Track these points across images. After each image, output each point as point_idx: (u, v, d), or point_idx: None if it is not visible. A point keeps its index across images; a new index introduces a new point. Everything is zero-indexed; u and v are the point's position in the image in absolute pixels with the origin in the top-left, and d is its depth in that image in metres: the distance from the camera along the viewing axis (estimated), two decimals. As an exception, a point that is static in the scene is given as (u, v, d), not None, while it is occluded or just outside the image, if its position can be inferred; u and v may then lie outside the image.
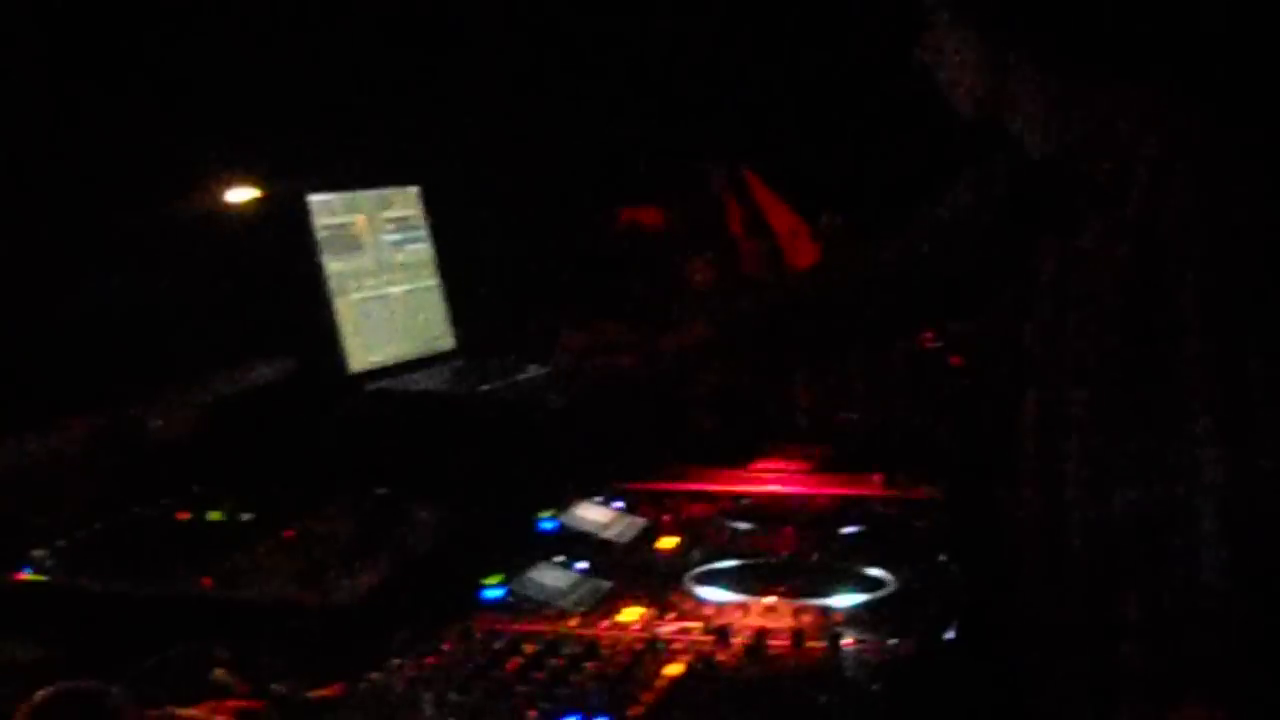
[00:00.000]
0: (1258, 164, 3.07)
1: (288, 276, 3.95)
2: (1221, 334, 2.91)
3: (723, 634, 2.86)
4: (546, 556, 3.28)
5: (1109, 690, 2.98)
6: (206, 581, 2.96)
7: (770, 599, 3.07)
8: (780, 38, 4.71)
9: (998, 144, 3.31)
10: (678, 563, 3.32)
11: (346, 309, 4.02)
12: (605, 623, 2.98)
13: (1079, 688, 3.10)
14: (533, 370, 4.10)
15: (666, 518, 3.63)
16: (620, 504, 3.65)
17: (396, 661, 2.71)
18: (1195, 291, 2.88)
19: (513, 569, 3.19)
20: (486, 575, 3.15)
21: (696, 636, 2.88)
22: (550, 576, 3.19)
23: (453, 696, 2.55)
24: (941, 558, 3.35)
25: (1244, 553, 2.82)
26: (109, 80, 3.72)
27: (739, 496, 3.79)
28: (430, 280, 4.40)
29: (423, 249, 4.40)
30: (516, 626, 2.93)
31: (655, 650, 2.81)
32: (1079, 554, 3.04)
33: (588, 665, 2.72)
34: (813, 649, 2.82)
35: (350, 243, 4.11)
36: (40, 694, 2.26)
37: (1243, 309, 2.92)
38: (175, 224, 3.89)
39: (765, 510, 3.70)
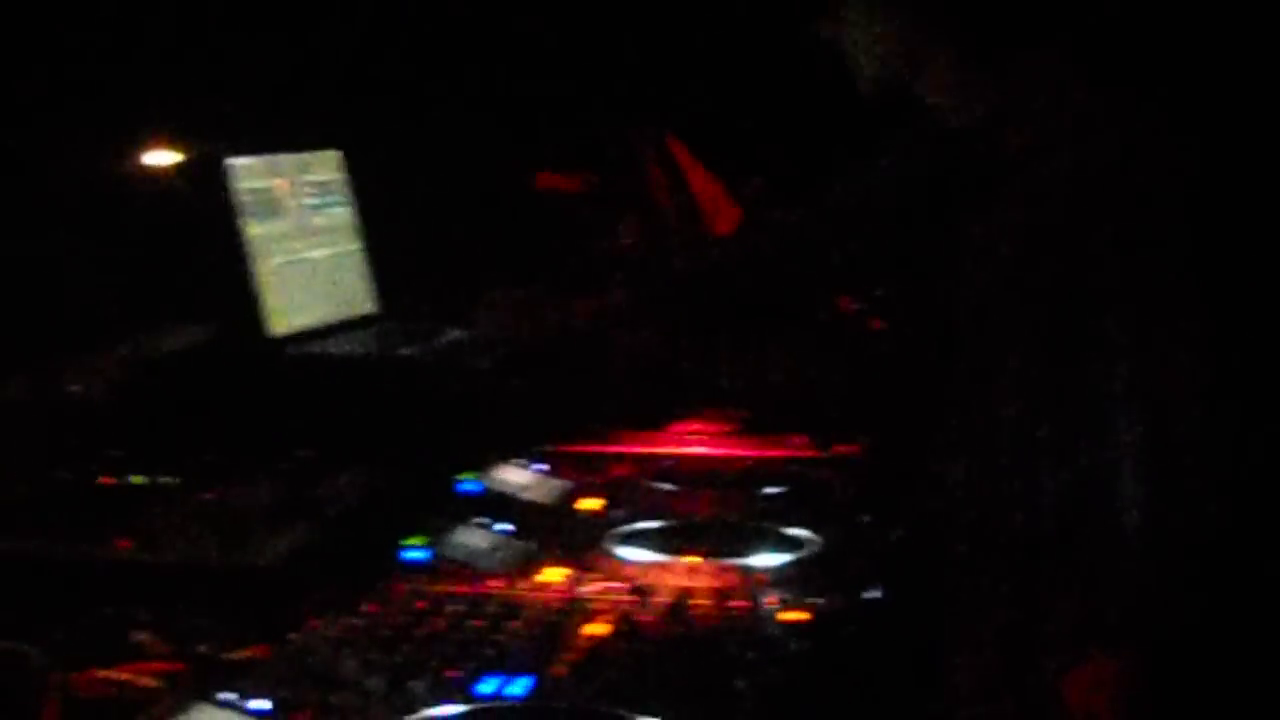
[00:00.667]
0: (1172, 133, 3.09)
1: (207, 240, 3.93)
2: (1140, 300, 2.93)
3: (645, 594, 2.87)
4: (469, 518, 3.28)
5: (1024, 649, 3.01)
6: (126, 544, 2.95)
7: (692, 559, 3.08)
8: (701, 2, 4.71)
9: (911, 111, 3.32)
10: (600, 524, 3.33)
11: (267, 273, 4.00)
12: (527, 583, 2.99)
13: (997, 645, 3.12)
14: (454, 334, 4.08)
15: (589, 479, 3.64)
16: (543, 466, 3.67)
17: (317, 623, 2.70)
18: (1115, 258, 2.90)
19: (435, 531, 3.19)
20: (408, 537, 3.14)
21: (619, 597, 2.90)
22: (473, 538, 3.20)
23: (374, 656, 2.55)
24: (864, 518, 3.36)
25: (1160, 513, 2.85)
26: (25, 37, 3.70)
27: (661, 457, 3.80)
28: (352, 244, 4.38)
29: (344, 213, 4.38)
30: (439, 588, 2.94)
31: (578, 610, 2.83)
32: (1008, 520, 3.06)
33: (510, 625, 2.72)
34: (735, 608, 2.83)
35: (271, 206, 4.09)
36: (-40, 655, 2.25)
37: (1160, 274, 2.95)
38: (93, 185, 3.88)
39: (687, 472, 3.71)
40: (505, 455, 3.66)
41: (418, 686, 2.46)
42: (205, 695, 2.38)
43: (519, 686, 2.49)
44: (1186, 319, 2.90)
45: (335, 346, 4.11)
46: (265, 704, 2.37)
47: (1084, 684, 2.90)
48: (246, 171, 4.04)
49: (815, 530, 3.22)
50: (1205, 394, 2.85)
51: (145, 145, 3.95)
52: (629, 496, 3.53)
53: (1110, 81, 3.15)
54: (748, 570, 3.02)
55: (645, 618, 2.80)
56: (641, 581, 2.94)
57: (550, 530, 3.30)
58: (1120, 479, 2.85)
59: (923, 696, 3.21)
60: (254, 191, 4.05)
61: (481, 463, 3.58)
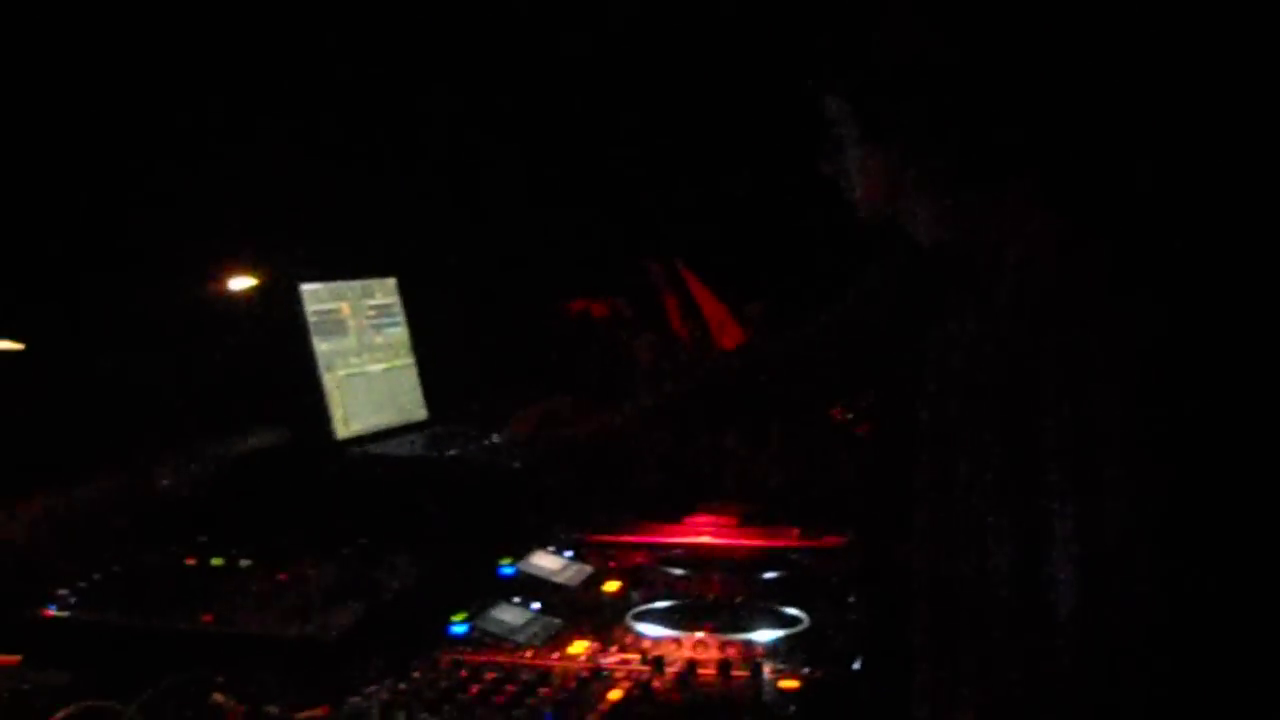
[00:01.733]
0: (1104, 261, 3.10)
1: (283, 354, 3.94)
2: (1075, 412, 2.94)
3: (658, 664, 2.87)
4: (506, 598, 3.28)
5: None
6: (208, 618, 2.95)
7: (700, 634, 3.08)
8: (710, 150, 4.72)
9: (892, 242, 3.34)
10: (620, 603, 3.32)
11: (333, 383, 4.02)
12: (556, 654, 2.99)
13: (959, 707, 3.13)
14: (494, 438, 4.09)
15: (610, 564, 3.63)
16: (570, 553, 3.65)
17: (373, 688, 2.70)
18: (1053, 368, 2.91)
19: (476, 608, 3.19)
20: (453, 614, 3.14)
21: (635, 667, 2.89)
22: (509, 615, 3.19)
23: (421, 718, 2.55)
24: (850, 599, 3.35)
25: (1093, 598, 2.86)
26: (133, 181, 3.72)
27: (674, 546, 3.79)
28: (406, 359, 4.40)
29: (399, 332, 4.40)
30: (479, 658, 2.93)
31: (599, 679, 2.83)
32: (962, 607, 3.07)
33: (541, 691, 2.72)
34: (737, 678, 2.83)
35: (336, 326, 4.11)
36: (62, 713, 2.25)
37: (1093, 383, 2.96)
38: (185, 306, 3.89)
39: (697, 558, 3.70)
40: (537, 543, 3.65)
41: (459, 744, 2.46)
42: (274, 750, 2.39)
43: (548, 745, 2.50)
44: (1120, 430, 2.91)
45: (391, 448, 4.12)
46: (326, 758, 2.37)
47: None
48: (315, 296, 4.05)
49: (806, 609, 3.21)
50: (1134, 502, 2.87)
51: (229, 272, 3.97)
52: (645, 579, 3.52)
53: (1054, 221, 3.17)
54: (748, 644, 3.02)
55: (658, 685, 2.79)
56: (655, 654, 2.93)
57: (576, 609, 3.29)
58: (1056, 567, 2.86)
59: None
60: (322, 313, 4.06)
61: (517, 550, 3.58)
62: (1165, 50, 4.53)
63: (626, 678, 2.83)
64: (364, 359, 4.21)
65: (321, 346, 4.03)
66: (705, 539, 3.88)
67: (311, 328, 4.02)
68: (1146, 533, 2.87)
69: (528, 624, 3.17)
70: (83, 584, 3.12)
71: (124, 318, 3.67)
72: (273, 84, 4.27)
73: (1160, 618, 2.89)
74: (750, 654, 2.95)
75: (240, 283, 3.99)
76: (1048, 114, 3.43)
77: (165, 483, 3.71)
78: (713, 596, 3.36)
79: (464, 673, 2.80)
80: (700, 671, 2.85)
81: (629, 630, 3.14)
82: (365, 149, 4.49)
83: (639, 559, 3.69)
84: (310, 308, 4.04)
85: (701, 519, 4.01)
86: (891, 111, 3.18)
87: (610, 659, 2.95)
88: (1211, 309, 3.37)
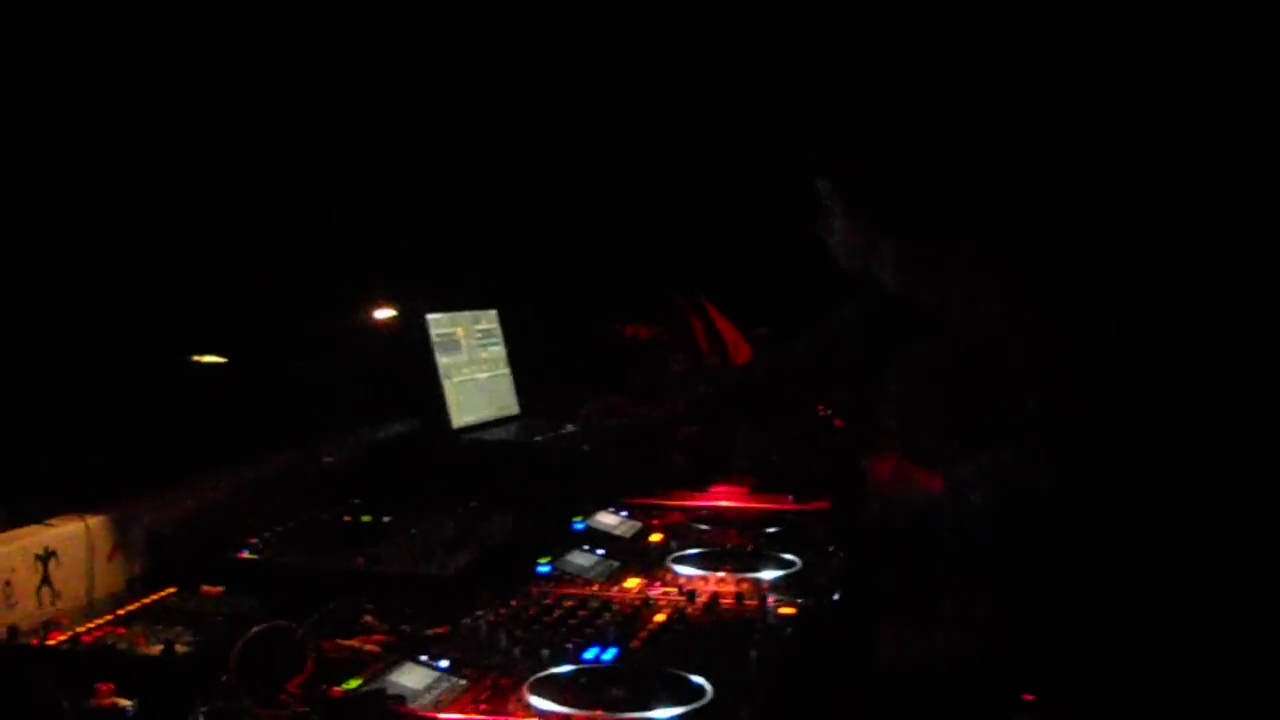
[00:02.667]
0: (1030, 300, 3.15)
1: (414, 366, 3.97)
2: (1000, 409, 3.01)
3: (690, 596, 2.88)
4: (578, 546, 3.29)
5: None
6: (360, 560, 2.98)
7: (721, 574, 3.09)
8: (729, 216, 4.75)
9: (864, 286, 3.37)
10: (661, 550, 3.32)
11: (450, 387, 4.04)
12: (615, 588, 3.00)
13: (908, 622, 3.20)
14: (568, 427, 4.11)
15: (654, 521, 3.63)
16: (624, 513, 3.65)
17: (480, 612, 2.71)
18: (985, 376, 2.99)
19: (556, 553, 3.19)
20: (539, 558, 3.15)
21: (674, 597, 2.91)
22: (580, 559, 3.20)
23: (516, 634, 2.56)
24: (830, 548, 3.36)
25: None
26: (313, 241, 3.77)
27: (701, 508, 3.80)
28: (503, 369, 4.42)
29: (498, 349, 4.42)
30: (559, 590, 2.94)
31: (647, 605, 2.84)
32: (924, 559, 3.15)
33: (605, 615, 2.74)
34: (749, 605, 2.85)
35: (453, 345, 4.13)
36: (253, 629, 2.26)
37: (1032, 398, 3.02)
38: (346, 330, 3.93)
39: (718, 517, 3.71)
40: (601, 506, 3.65)
41: (544, 653, 2.47)
42: (409, 657, 2.40)
43: (609, 654, 2.50)
44: (1020, 421, 3.01)
45: (492, 435, 4.14)
46: (445, 663, 2.39)
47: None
48: (438, 323, 4.08)
49: (799, 555, 3.21)
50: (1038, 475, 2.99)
51: (377, 306, 3.99)
52: (680, 533, 3.52)
53: (990, 268, 3.20)
54: (757, 581, 3.03)
55: (691, 611, 2.81)
56: (688, 588, 2.94)
57: (629, 554, 3.29)
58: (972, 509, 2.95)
59: (865, 657, 3.24)
60: (442, 336, 4.09)
61: (585, 510, 3.58)
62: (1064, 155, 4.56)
63: (667, 605, 2.85)
64: (472, 369, 4.23)
65: (442, 360, 4.05)
66: (724, 503, 3.88)
67: (435, 347, 4.04)
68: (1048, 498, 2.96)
69: (594, 565, 3.18)
70: (268, 534, 3.14)
71: (301, 338, 3.70)
72: (413, 171, 4.31)
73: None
74: (758, 588, 2.96)
75: (385, 313, 4.01)
76: (979, 202, 3.48)
77: (329, 460, 3.74)
78: (730, 545, 3.36)
79: (548, 601, 2.82)
80: (722, 601, 2.87)
81: (668, 570, 3.14)
82: (475, 218, 4.52)
83: (675, 517, 3.69)
84: (434, 332, 4.07)
85: (721, 488, 4.01)
86: (866, 197, 3.23)
87: (655, 591, 2.97)
88: (1089, 328, 3.44)
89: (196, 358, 3.31)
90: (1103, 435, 3.13)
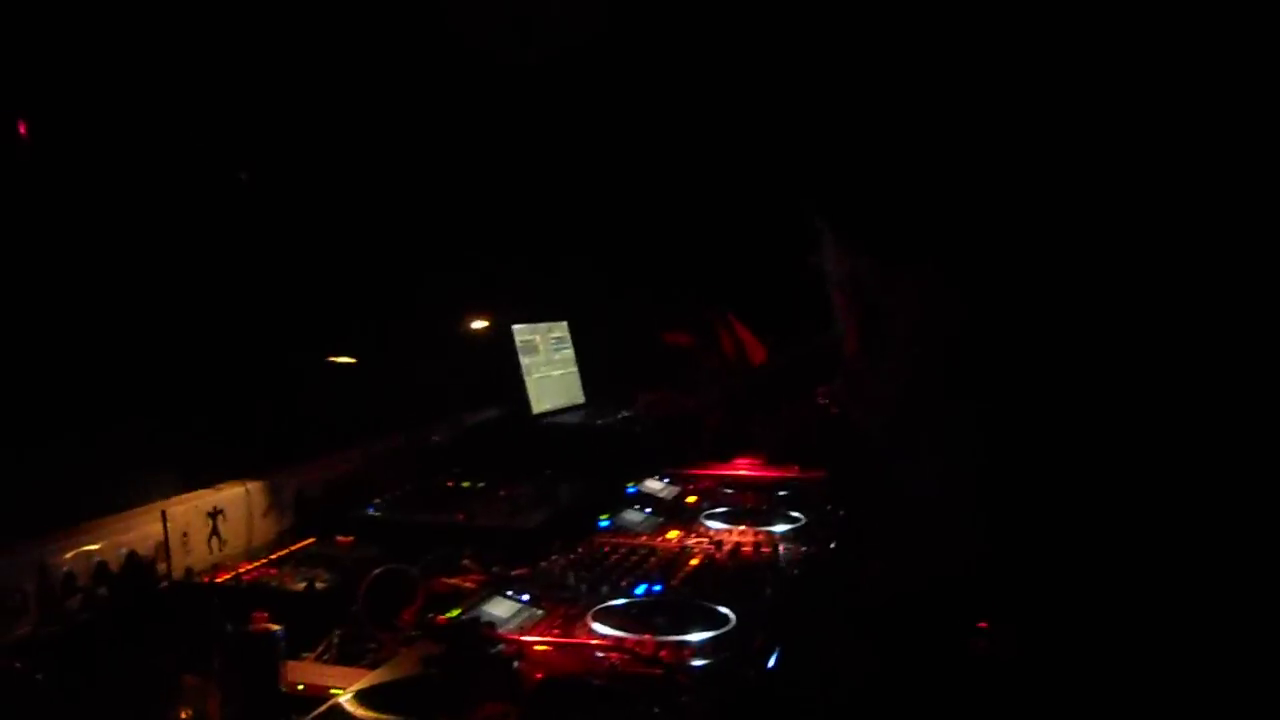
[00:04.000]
0: (964, 313, 3.14)
1: (503, 365, 3.97)
2: (955, 396, 2.98)
3: (718, 545, 2.87)
4: (630, 506, 3.27)
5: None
6: (461, 516, 2.97)
7: (743, 527, 3.07)
8: (748, 248, 4.73)
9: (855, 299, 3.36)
10: (696, 509, 3.30)
11: (531, 382, 4.04)
12: (659, 539, 2.98)
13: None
14: (624, 413, 4.10)
15: (690, 486, 3.61)
16: (667, 479, 3.64)
17: (555, 557, 2.71)
18: (940, 377, 2.97)
19: (613, 512, 3.19)
20: (600, 515, 3.14)
21: (705, 545, 2.88)
22: (632, 516, 3.18)
23: (583, 574, 2.56)
24: (828, 507, 3.34)
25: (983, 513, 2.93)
26: (427, 267, 3.79)
27: (726, 476, 3.78)
28: (572, 368, 4.41)
29: (568, 353, 4.41)
30: (615, 540, 2.93)
31: (685, 552, 2.83)
32: (896, 514, 3.12)
33: (651, 560, 2.72)
34: (765, 552, 2.83)
35: (532, 349, 4.13)
36: (376, 570, 2.26)
37: (968, 380, 3.00)
38: (451, 337, 3.94)
39: (740, 483, 3.69)
40: (649, 474, 3.64)
41: (604, 588, 2.46)
42: (498, 592, 2.39)
43: (656, 590, 2.49)
44: (981, 411, 3.00)
45: (564, 419, 4.14)
46: (527, 596, 2.38)
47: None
48: (521, 332, 4.08)
49: (804, 513, 3.20)
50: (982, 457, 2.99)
51: (474, 318, 3.99)
52: (711, 495, 3.51)
53: (945, 285, 3.19)
54: (770, 533, 3.00)
55: (719, 556, 2.80)
56: (717, 538, 2.93)
57: (671, 512, 3.28)
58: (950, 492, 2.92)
59: (854, 585, 3.22)
60: (525, 342, 4.08)
61: (636, 478, 3.57)
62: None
63: (700, 552, 2.83)
64: (548, 367, 4.21)
65: (524, 360, 4.04)
66: (744, 472, 3.86)
67: (519, 350, 4.04)
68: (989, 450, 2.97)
69: (643, 521, 3.16)
70: (389, 496, 3.14)
71: (416, 344, 3.70)
72: (502, 215, 4.33)
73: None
74: (772, 539, 2.94)
75: (480, 324, 4.01)
76: (937, 238, 3.46)
77: (436, 439, 3.74)
78: (749, 505, 3.35)
79: (607, 549, 2.81)
80: (743, 549, 2.85)
81: (701, 524, 3.13)
82: (551, 252, 4.52)
83: (707, 484, 3.67)
84: (518, 339, 4.06)
85: (742, 461, 4.00)
86: (852, 230, 3.22)
87: (691, 541, 2.95)
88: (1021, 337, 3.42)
89: (333, 358, 3.30)
90: (1032, 415, 3.14)
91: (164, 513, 2.49)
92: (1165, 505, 4.43)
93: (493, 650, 2.01)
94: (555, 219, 4.66)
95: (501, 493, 3.23)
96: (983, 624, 3.28)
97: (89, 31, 2.53)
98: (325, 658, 2.15)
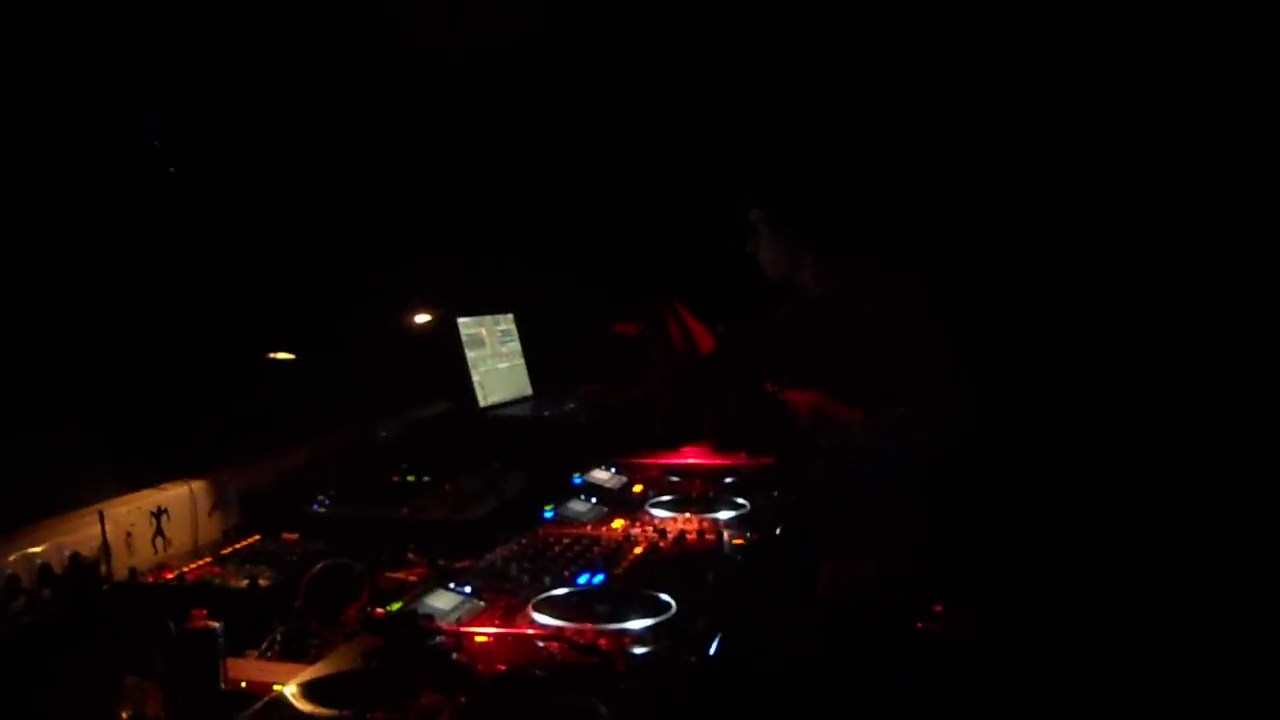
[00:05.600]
0: (921, 300, 3.16)
1: (447, 358, 3.98)
2: (911, 387, 3.01)
3: (662, 533, 2.89)
4: (576, 496, 3.29)
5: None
6: (405, 511, 2.99)
7: (687, 515, 3.10)
8: (695, 239, 4.75)
9: (793, 294, 3.37)
10: (641, 498, 3.33)
11: (477, 375, 4.05)
12: (604, 528, 3.01)
13: (838, 556, 3.19)
14: (570, 405, 4.12)
15: (636, 476, 3.63)
16: (613, 469, 3.65)
17: (499, 549, 2.72)
18: (903, 366, 2.99)
19: (559, 502, 3.20)
20: (545, 505, 3.16)
21: (649, 534, 2.91)
22: (578, 506, 3.20)
23: (526, 565, 2.57)
24: (774, 494, 3.37)
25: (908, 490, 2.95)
26: (370, 262, 3.79)
27: (673, 465, 3.80)
28: (519, 360, 4.42)
29: (514, 345, 4.42)
30: (560, 530, 2.95)
31: (629, 541, 2.85)
32: (839, 497, 3.16)
33: (595, 549, 2.74)
34: (709, 539, 2.86)
35: (478, 342, 4.14)
36: (319, 565, 2.27)
37: (928, 370, 3.02)
38: (394, 330, 3.94)
39: (686, 471, 3.71)
40: (596, 464, 3.65)
41: (546, 579, 2.48)
42: (441, 584, 2.41)
43: (598, 579, 2.51)
44: (938, 394, 3.01)
45: (510, 411, 4.15)
46: (469, 588, 2.40)
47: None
48: (466, 325, 4.09)
49: (749, 500, 3.22)
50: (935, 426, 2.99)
51: (418, 311, 4.00)
52: (657, 484, 3.53)
53: (899, 277, 3.21)
54: (715, 520, 3.03)
55: (663, 545, 2.83)
56: (661, 527, 2.95)
57: (616, 501, 3.30)
58: (892, 473, 2.96)
59: (804, 581, 3.25)
60: (470, 335, 4.09)
61: (584, 468, 3.58)
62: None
63: (644, 540, 2.86)
64: (494, 360, 4.22)
65: (470, 354, 4.05)
66: (692, 460, 3.88)
67: (464, 343, 4.05)
68: (943, 446, 2.97)
69: (588, 511, 3.18)
70: (334, 492, 3.14)
71: (361, 340, 3.71)
72: (443, 206, 4.33)
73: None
74: (716, 526, 2.97)
75: (424, 317, 4.01)
76: (882, 222, 3.49)
77: (382, 434, 3.74)
78: (695, 493, 3.37)
79: (552, 539, 2.82)
80: (687, 537, 2.88)
81: (646, 513, 3.15)
82: (495, 241, 4.53)
83: (653, 473, 3.69)
84: (464, 332, 4.07)
85: (690, 449, 4.02)
86: (788, 220, 3.24)
87: (636, 530, 2.97)
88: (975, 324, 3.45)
89: (274, 355, 3.30)
90: (974, 400, 3.17)
91: (101, 514, 2.49)
92: (1124, 493, 4.52)
93: (431, 642, 2.04)
94: (501, 211, 4.67)
95: (447, 486, 3.24)
96: (938, 608, 3.33)
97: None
98: (268, 655, 2.16)
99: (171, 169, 3.00)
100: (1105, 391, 4.67)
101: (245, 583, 2.37)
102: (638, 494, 3.42)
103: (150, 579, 2.43)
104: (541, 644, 2.11)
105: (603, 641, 2.10)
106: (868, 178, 3.89)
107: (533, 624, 2.20)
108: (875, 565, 3.25)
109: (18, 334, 2.48)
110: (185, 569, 2.48)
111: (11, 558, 2.30)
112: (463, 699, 1.84)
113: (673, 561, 2.69)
